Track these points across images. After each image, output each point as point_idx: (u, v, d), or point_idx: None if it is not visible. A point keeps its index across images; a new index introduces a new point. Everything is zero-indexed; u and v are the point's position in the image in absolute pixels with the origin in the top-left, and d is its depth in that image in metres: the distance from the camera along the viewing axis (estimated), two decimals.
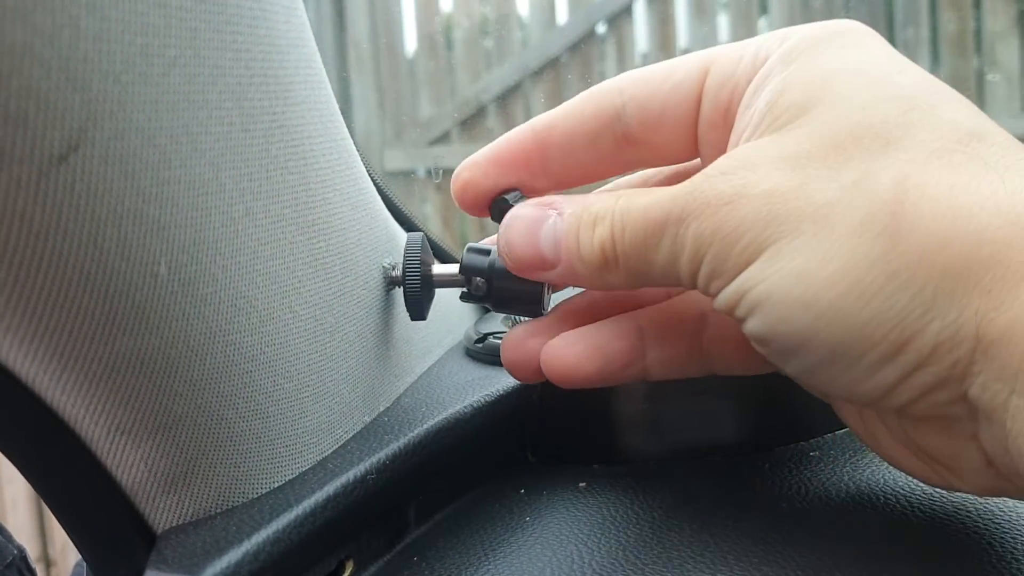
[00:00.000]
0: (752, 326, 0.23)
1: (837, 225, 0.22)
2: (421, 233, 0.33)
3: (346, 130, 0.32)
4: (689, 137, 0.28)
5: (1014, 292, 0.20)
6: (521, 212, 0.27)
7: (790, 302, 0.22)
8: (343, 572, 0.28)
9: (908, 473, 0.25)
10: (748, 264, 0.23)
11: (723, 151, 0.26)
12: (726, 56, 0.26)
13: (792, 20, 1.49)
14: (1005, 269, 0.20)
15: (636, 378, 0.29)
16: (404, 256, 0.32)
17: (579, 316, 0.30)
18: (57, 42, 0.19)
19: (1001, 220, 0.20)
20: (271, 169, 0.26)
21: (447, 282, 0.32)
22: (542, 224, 0.27)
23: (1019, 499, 0.23)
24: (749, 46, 0.26)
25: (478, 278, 0.30)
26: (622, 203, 0.25)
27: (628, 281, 0.26)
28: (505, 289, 0.30)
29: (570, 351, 0.28)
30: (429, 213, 1.52)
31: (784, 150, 0.23)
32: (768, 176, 0.23)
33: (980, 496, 0.25)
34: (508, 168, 0.30)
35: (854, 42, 0.25)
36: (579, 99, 0.29)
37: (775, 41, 0.25)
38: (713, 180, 0.23)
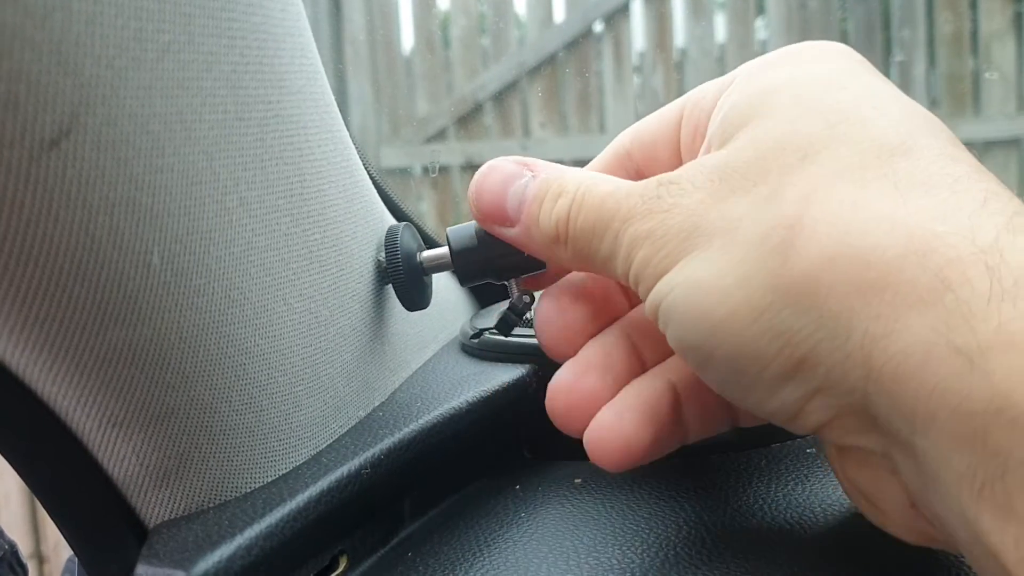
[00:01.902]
0: (669, 337, 0.23)
1: (739, 239, 0.21)
2: (401, 223, 0.33)
3: (342, 122, 0.32)
4: (677, 161, 0.28)
5: (903, 320, 0.18)
6: (500, 164, 0.27)
7: (691, 313, 0.22)
8: (337, 567, 0.28)
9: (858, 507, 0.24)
10: (665, 272, 0.23)
11: None
12: (703, 88, 0.27)
13: (789, 20, 1.50)
14: (894, 294, 0.19)
15: (678, 444, 0.27)
16: (384, 247, 0.31)
17: (582, 330, 0.28)
18: (48, 24, 0.18)
19: (893, 242, 0.19)
20: (266, 159, 0.25)
21: (439, 266, 0.31)
22: (514, 181, 0.27)
23: (948, 550, 0.22)
24: (726, 76, 0.27)
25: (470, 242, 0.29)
26: (586, 183, 0.25)
27: (574, 262, 0.26)
28: (499, 245, 0.28)
29: (621, 423, 0.26)
30: (425, 210, 1.52)
31: (716, 163, 0.23)
32: (699, 189, 0.23)
33: (911, 543, 0.22)
34: None
35: (811, 57, 0.25)
36: (600, 155, 0.30)
37: (744, 66, 0.26)
38: (661, 188, 0.24)
